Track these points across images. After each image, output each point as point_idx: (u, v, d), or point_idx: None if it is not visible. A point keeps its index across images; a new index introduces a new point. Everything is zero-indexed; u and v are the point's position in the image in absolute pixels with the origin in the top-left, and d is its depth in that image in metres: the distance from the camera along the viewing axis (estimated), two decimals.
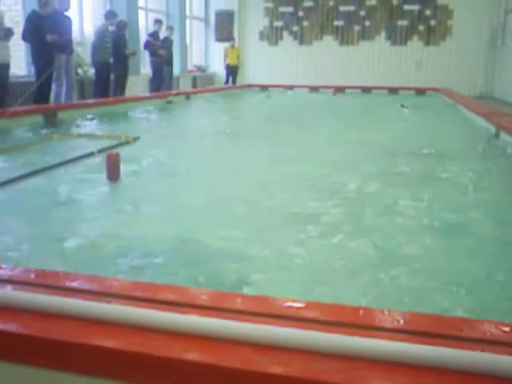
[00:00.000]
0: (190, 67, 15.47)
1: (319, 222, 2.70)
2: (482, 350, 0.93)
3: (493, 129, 5.96)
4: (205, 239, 2.41)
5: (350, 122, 7.78)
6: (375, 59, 16.11)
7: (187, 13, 15.18)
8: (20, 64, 9.07)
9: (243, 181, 3.66)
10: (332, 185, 3.57)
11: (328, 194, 3.31)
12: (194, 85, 15.14)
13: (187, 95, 11.16)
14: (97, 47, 9.33)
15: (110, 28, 9.75)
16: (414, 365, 0.91)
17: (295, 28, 16.68)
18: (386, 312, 1.11)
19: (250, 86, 15.28)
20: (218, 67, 16.37)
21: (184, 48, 14.52)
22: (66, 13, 8.35)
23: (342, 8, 16.16)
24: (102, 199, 3.34)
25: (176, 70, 13.32)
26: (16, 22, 8.67)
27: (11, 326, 1.05)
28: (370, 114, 8.90)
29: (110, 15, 9.73)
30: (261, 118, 8.24)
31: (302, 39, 16.68)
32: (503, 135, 5.55)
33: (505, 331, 1.04)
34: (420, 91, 13.60)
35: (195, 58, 16.45)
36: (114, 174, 3.57)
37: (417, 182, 3.75)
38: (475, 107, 8.01)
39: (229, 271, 2.07)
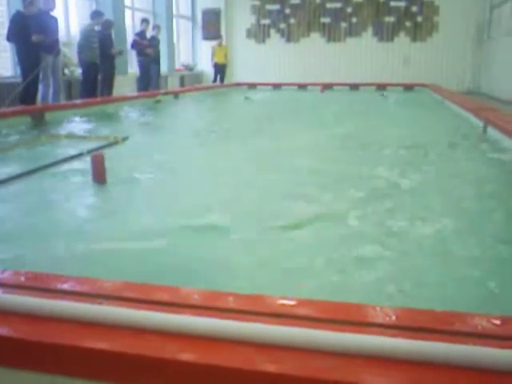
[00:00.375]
0: (177, 66, 15.42)
1: None
2: (474, 344, 0.94)
3: (481, 124, 6.01)
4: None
5: (338, 119, 7.78)
6: (362, 56, 16.17)
7: (174, 11, 15.13)
8: (6, 65, 9.00)
9: (235, 184, 3.57)
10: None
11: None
12: (182, 84, 15.10)
13: (175, 94, 11.13)
14: (83, 47, 9.27)
15: (96, 28, 9.70)
16: (407, 360, 0.92)
17: (282, 25, 16.69)
18: (378, 308, 1.11)
19: (237, 84, 15.26)
20: (205, 66, 16.34)
21: (171, 47, 14.47)
22: (51, 13, 8.29)
23: (328, 5, 16.20)
24: (88, 202, 3.30)
25: (164, 69, 13.28)
26: (1, 22, 8.60)
27: (1, 330, 1.04)
28: (358, 112, 8.87)
29: (96, 15, 9.68)
30: (248, 117, 8.22)
31: (289, 37, 16.69)
32: (490, 130, 5.60)
33: (496, 324, 1.05)
34: (408, 87, 13.67)
35: (183, 57, 16.41)
36: (99, 175, 3.52)
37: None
38: (463, 103, 8.06)
39: None
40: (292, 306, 1.12)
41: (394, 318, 1.07)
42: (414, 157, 4.59)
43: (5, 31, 7.83)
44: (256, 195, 3.27)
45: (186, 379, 0.95)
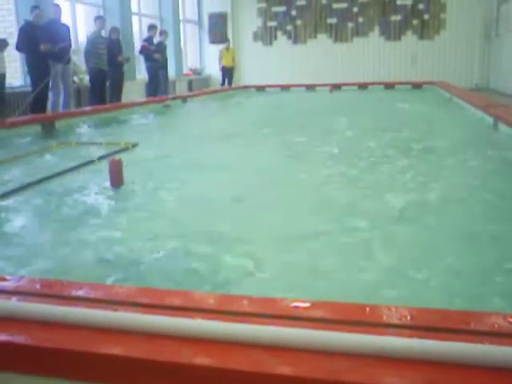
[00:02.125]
0: (185, 71, 15.48)
1: None
2: (491, 343, 0.93)
3: (491, 120, 5.97)
4: None
5: (350, 118, 7.75)
6: (370, 55, 16.13)
7: (180, 16, 15.19)
8: (15, 74, 9.08)
9: (250, 192, 3.49)
10: None
11: None
12: (190, 88, 15.15)
13: (184, 99, 11.16)
14: (89, 53, 9.32)
15: (103, 33, 9.75)
16: (423, 360, 0.91)
17: (289, 27, 16.70)
18: (393, 309, 1.11)
19: (246, 87, 15.28)
20: (213, 69, 16.38)
21: (179, 52, 14.53)
22: (61, 21, 8.37)
23: (334, 5, 16.18)
24: (107, 208, 3.31)
25: (171, 73, 13.32)
26: (10, 32, 8.68)
27: (19, 337, 1.05)
28: (368, 112, 8.81)
29: (98, 19, 9.69)
30: (256, 120, 8.20)
31: (296, 38, 16.69)
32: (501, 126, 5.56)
33: None
34: (416, 85, 13.61)
35: (190, 61, 16.47)
36: (117, 180, 3.56)
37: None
38: (471, 100, 8.01)
39: None
40: (305, 308, 1.12)
41: (408, 318, 1.07)
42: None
43: (14, 41, 7.91)
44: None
45: (199, 383, 0.95)
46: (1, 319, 1.11)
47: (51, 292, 1.25)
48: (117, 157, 3.90)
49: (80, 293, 1.24)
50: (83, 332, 1.05)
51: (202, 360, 0.95)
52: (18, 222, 3.01)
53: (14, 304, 1.16)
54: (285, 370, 0.91)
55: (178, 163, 4.58)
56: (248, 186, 3.63)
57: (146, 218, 2.93)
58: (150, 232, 2.65)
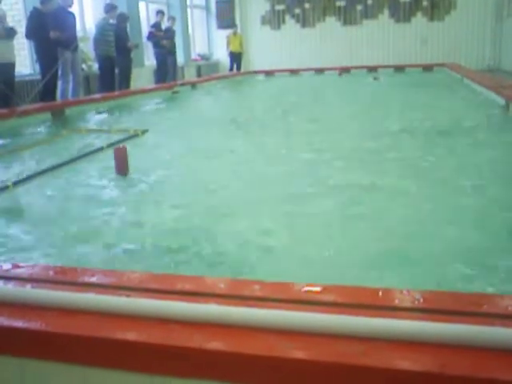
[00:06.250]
0: (193, 56, 15.41)
1: None
2: (503, 325, 0.93)
3: (502, 101, 5.91)
4: None
5: (356, 107, 7.69)
6: (379, 38, 15.94)
7: (188, 2, 15.07)
8: (24, 62, 9.08)
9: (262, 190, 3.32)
10: None
11: None
12: (199, 74, 15.08)
13: (193, 84, 11.13)
14: (98, 41, 9.29)
15: (112, 21, 9.71)
16: (435, 343, 0.91)
17: (297, 11, 16.51)
18: (405, 292, 1.11)
19: (254, 72, 15.20)
20: (221, 55, 16.28)
21: (187, 37, 14.44)
22: (69, 9, 8.33)
23: None
24: (112, 195, 3.33)
25: (180, 59, 13.25)
26: (18, 20, 8.67)
27: (33, 324, 1.06)
28: (378, 99, 8.63)
29: (110, 8, 9.64)
30: (265, 104, 8.17)
31: (304, 22, 16.52)
32: None
33: None
34: (427, 68, 13.47)
35: (198, 47, 16.38)
36: (122, 168, 3.57)
37: None
38: (483, 81, 7.92)
39: None
40: (317, 292, 1.12)
41: (421, 301, 1.07)
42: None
43: (22, 29, 7.89)
44: None
45: (214, 367, 0.96)
46: (16, 306, 1.12)
47: (65, 279, 1.26)
48: (122, 145, 3.90)
49: (93, 279, 1.25)
50: (96, 318, 1.06)
51: (214, 345, 0.96)
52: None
53: (29, 291, 1.17)
54: (298, 354, 0.92)
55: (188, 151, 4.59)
56: None
57: None
58: None
